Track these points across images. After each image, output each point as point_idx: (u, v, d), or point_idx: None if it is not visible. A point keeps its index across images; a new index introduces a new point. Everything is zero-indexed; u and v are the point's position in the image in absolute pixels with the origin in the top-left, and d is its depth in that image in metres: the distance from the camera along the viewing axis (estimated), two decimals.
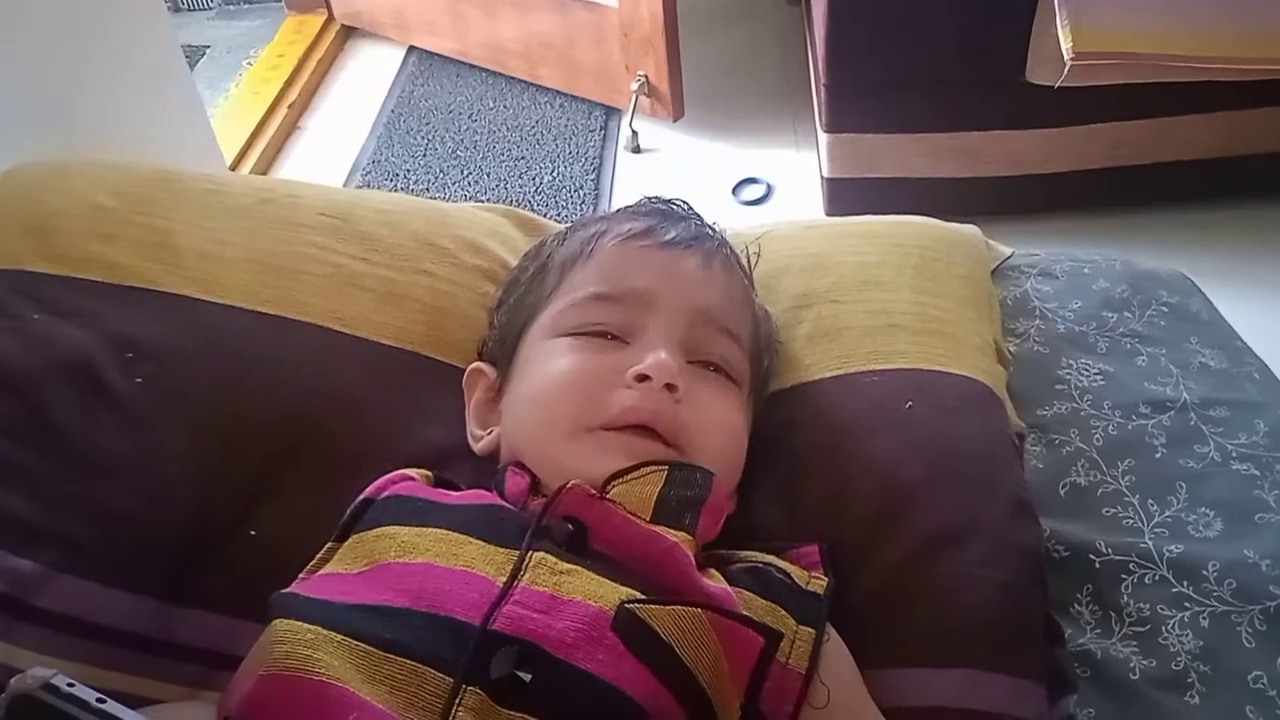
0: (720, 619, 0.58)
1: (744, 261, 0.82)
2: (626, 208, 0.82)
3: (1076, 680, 0.70)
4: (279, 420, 0.75)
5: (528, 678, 0.54)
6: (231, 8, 2.81)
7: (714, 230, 0.81)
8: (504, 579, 0.58)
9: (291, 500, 0.73)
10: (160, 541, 0.70)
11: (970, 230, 0.95)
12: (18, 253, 0.79)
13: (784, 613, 0.62)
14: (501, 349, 0.77)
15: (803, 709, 0.60)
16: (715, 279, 0.75)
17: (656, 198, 0.81)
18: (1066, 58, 1.60)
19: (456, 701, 0.53)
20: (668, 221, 0.77)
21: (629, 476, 0.65)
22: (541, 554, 0.59)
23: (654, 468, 0.65)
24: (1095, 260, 0.98)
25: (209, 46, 2.63)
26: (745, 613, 0.60)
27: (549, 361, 0.71)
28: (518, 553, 0.59)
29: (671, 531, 0.63)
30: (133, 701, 0.58)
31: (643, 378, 0.67)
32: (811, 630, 0.62)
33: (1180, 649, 0.70)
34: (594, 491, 0.63)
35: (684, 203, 0.81)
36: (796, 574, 0.66)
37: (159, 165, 0.91)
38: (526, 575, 0.58)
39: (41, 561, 0.66)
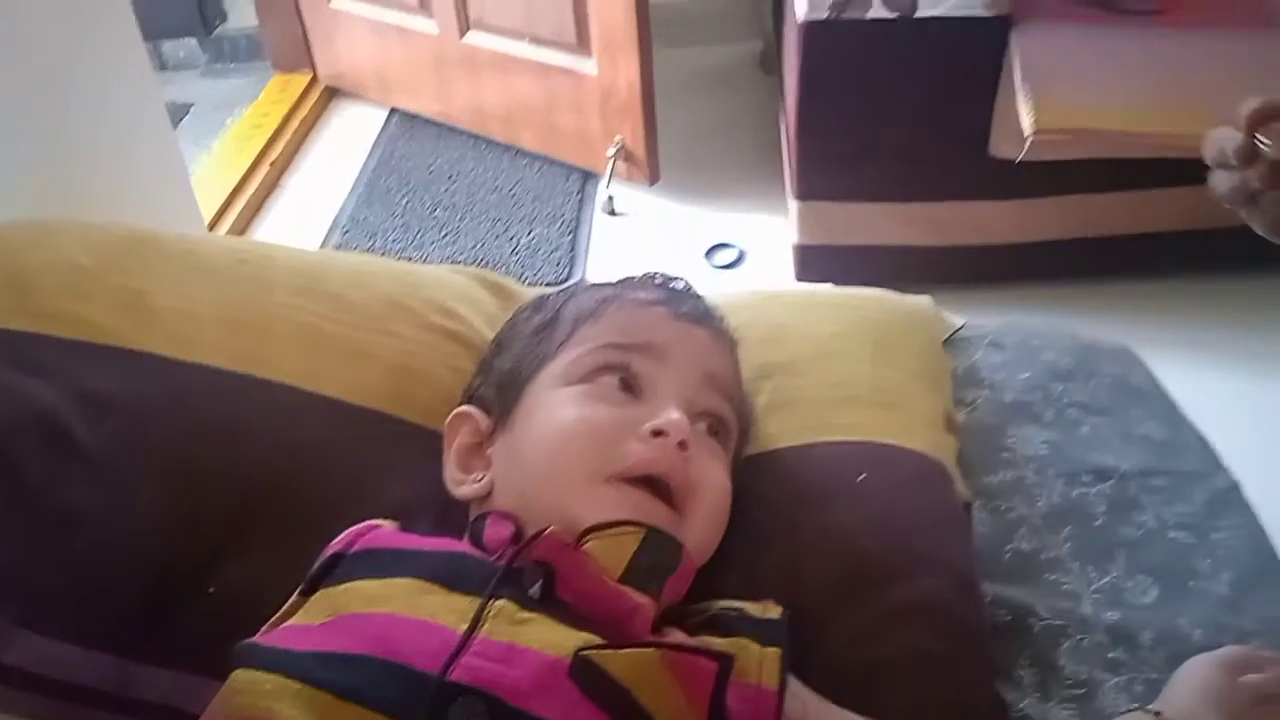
0: (673, 655, 0.59)
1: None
2: (636, 279, 0.83)
3: None
4: (243, 476, 0.76)
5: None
6: (218, 66, 2.86)
7: (718, 311, 0.83)
8: (465, 627, 0.58)
9: (254, 556, 0.74)
10: (122, 595, 0.71)
11: (924, 301, 0.98)
12: None
13: (745, 641, 0.63)
14: (499, 395, 0.77)
15: None
16: (723, 350, 0.78)
17: (665, 275, 0.83)
18: (1028, 133, 1.65)
19: None
20: (681, 297, 0.80)
21: (606, 532, 0.65)
22: (502, 602, 0.60)
23: (631, 528, 0.66)
24: (1043, 332, 1.01)
25: (194, 104, 2.67)
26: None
27: (562, 409, 0.72)
28: (480, 600, 0.60)
29: (636, 594, 0.64)
30: None
31: (659, 433, 0.68)
32: (777, 649, 0.63)
33: (1115, 712, 0.72)
34: (570, 540, 0.64)
35: (684, 281, 0.84)
36: (750, 608, 0.67)
37: (135, 226, 0.93)
38: (486, 625, 0.59)
39: (2, 615, 0.67)
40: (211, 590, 0.73)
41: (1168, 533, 0.83)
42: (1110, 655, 0.75)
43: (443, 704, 0.55)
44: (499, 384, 0.78)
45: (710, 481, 0.71)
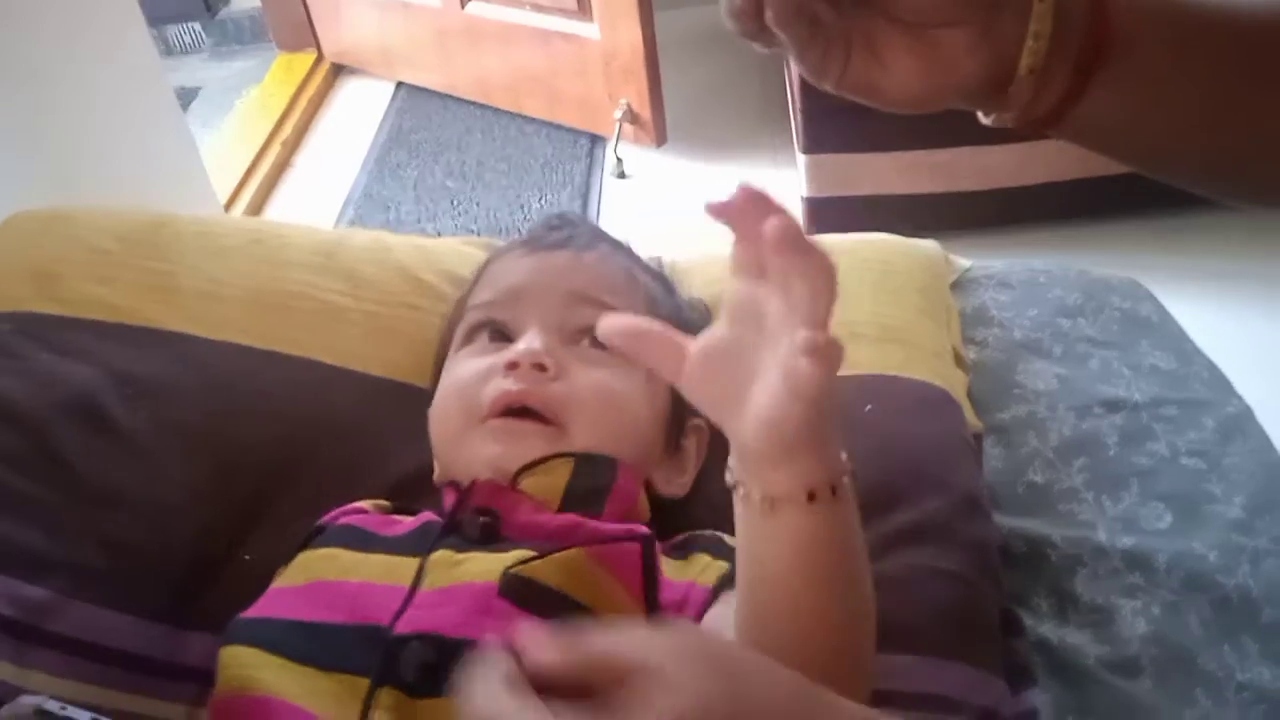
0: (598, 548, 0.61)
1: (642, 260, 0.85)
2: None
3: (1036, 673, 0.73)
4: (272, 449, 0.79)
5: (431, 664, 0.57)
6: (223, 49, 2.86)
7: (598, 231, 0.84)
8: (409, 583, 0.62)
9: (284, 525, 0.76)
10: (162, 567, 0.74)
11: (929, 245, 0.99)
12: (23, 296, 0.84)
13: (700, 554, 0.66)
14: (435, 371, 0.81)
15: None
16: (587, 265, 0.78)
17: (554, 214, 0.86)
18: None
19: (371, 704, 0.57)
20: (546, 231, 0.82)
21: (538, 469, 0.68)
22: (441, 552, 0.63)
23: (561, 459, 0.69)
24: (1050, 270, 1.02)
25: (201, 87, 2.69)
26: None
27: (447, 375, 0.76)
28: (420, 558, 0.63)
29: (578, 516, 0.66)
30: None
31: (512, 365, 0.71)
32: (725, 563, 0.64)
33: (1133, 635, 0.73)
34: (504, 484, 0.68)
35: (578, 215, 0.86)
36: (728, 537, 0.67)
37: (154, 210, 0.95)
38: (427, 578, 0.62)
39: (52, 588, 0.70)
40: (248, 557, 0.76)
41: (1180, 459, 0.84)
42: (1127, 580, 0.76)
43: (393, 657, 0.58)
44: (436, 364, 0.81)
45: (588, 385, 0.72)
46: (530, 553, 0.61)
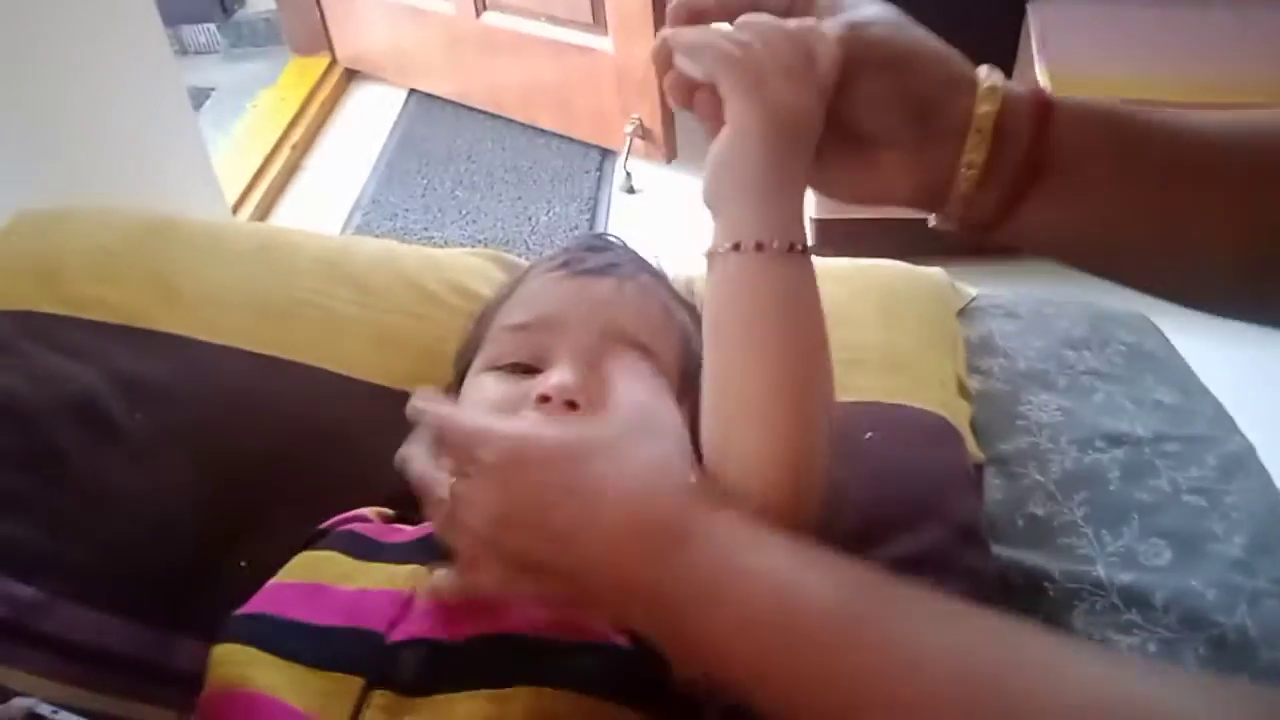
0: None
1: (678, 291, 0.82)
2: (565, 247, 0.84)
3: None
4: (272, 455, 0.79)
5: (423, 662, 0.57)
6: (237, 50, 2.87)
7: (639, 259, 0.82)
8: (408, 592, 0.61)
9: (282, 532, 0.75)
10: (158, 570, 0.74)
11: (936, 272, 0.99)
12: (27, 294, 0.83)
13: None
14: (455, 383, 0.79)
15: None
16: (627, 300, 0.75)
17: (593, 234, 0.84)
18: None
19: (364, 703, 0.56)
20: (588, 253, 0.79)
21: None
22: (440, 571, 0.62)
23: None
24: (1057, 301, 1.02)
25: (214, 88, 2.69)
26: None
27: (472, 395, 0.74)
28: (420, 568, 0.63)
29: None
30: None
31: (544, 398, 0.68)
32: None
33: None
34: None
35: (615, 237, 0.84)
36: None
37: (159, 212, 0.95)
38: (426, 592, 0.61)
39: (43, 588, 0.70)
40: (243, 564, 0.75)
41: (1181, 496, 0.83)
42: (1124, 617, 0.76)
43: (389, 660, 0.58)
44: (455, 373, 0.80)
45: None
46: None
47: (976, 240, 0.55)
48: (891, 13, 0.54)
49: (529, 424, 0.62)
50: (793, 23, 0.53)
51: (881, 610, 0.44)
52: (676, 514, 0.48)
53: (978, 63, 0.54)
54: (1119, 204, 0.52)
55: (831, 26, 0.52)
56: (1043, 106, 0.51)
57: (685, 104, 0.56)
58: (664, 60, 0.55)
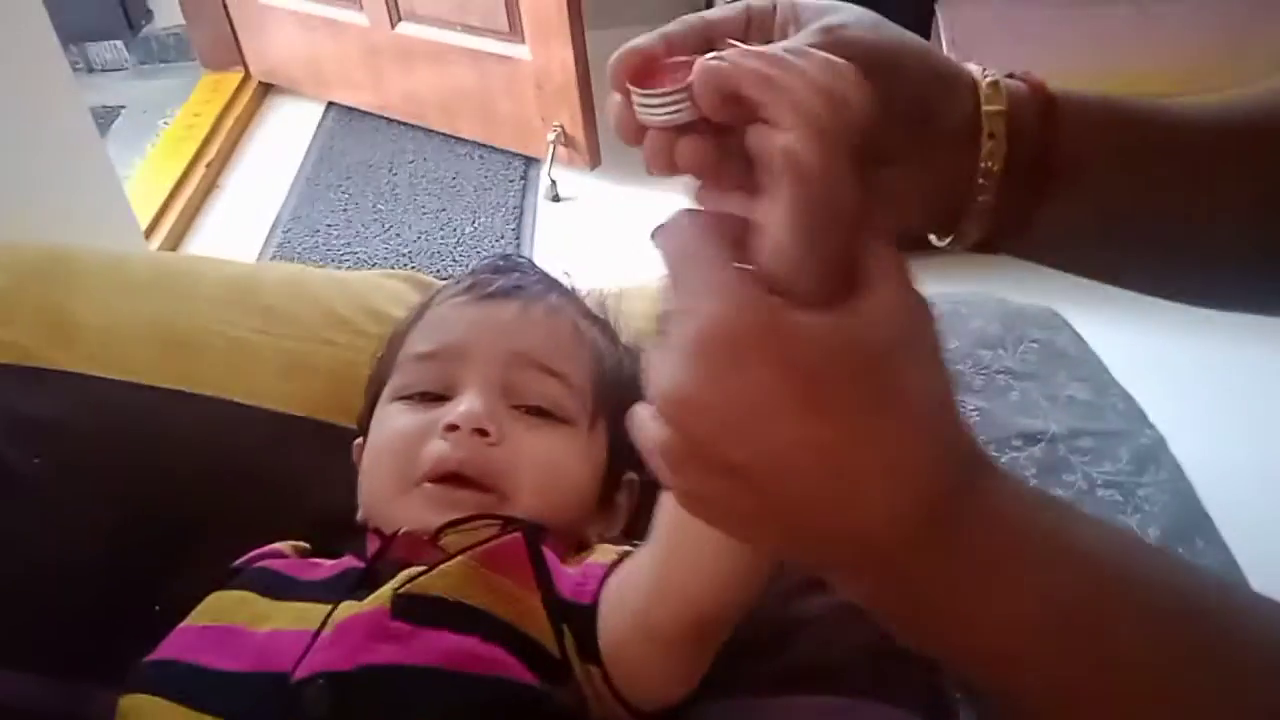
0: (481, 550, 0.61)
1: (588, 305, 0.82)
2: (473, 270, 0.83)
3: (957, 708, 0.73)
4: (181, 492, 0.77)
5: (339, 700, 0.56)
6: (146, 67, 2.81)
7: (548, 279, 0.81)
8: (315, 629, 0.60)
9: (197, 572, 0.73)
10: (65, 618, 0.71)
11: None
12: None
13: (604, 546, 0.66)
14: (366, 414, 0.79)
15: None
16: (534, 323, 0.75)
17: (500, 255, 0.84)
18: None
19: None
20: (494, 276, 0.79)
21: (463, 526, 0.66)
22: (347, 603, 0.61)
23: (487, 521, 0.67)
24: (970, 300, 1.02)
25: (124, 106, 2.63)
26: None
27: (381, 427, 0.74)
28: (331, 605, 0.62)
29: None
30: None
31: (451, 427, 0.69)
32: (630, 548, 0.63)
33: None
34: (426, 537, 0.66)
35: (524, 258, 0.83)
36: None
37: (51, 244, 0.92)
38: (331, 623, 0.60)
39: None
40: (157, 608, 0.73)
41: (1096, 491, 0.84)
42: None
43: (295, 702, 0.57)
44: (366, 401, 0.79)
45: (528, 453, 0.70)
46: (418, 569, 0.61)
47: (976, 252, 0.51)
48: (865, 13, 0.47)
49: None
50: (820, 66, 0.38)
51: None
52: (961, 476, 0.37)
53: None
54: (1129, 201, 0.49)
55: (806, 37, 0.45)
56: (1047, 101, 0.48)
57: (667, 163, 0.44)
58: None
